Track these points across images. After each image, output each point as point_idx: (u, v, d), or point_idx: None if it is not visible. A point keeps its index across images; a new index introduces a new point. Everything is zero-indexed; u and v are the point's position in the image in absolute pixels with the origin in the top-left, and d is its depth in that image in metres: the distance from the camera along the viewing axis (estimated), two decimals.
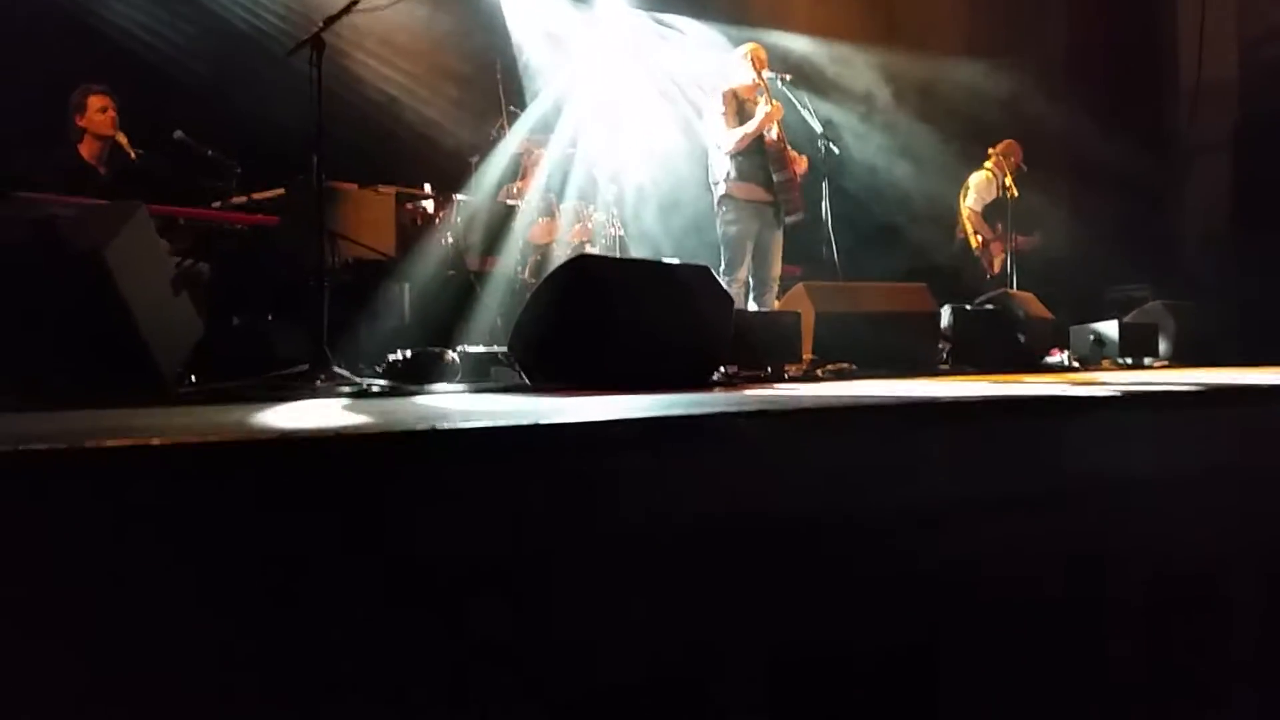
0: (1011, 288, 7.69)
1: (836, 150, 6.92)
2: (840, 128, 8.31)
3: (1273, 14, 9.89)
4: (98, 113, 5.36)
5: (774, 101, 6.50)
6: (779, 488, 2.01)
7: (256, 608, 1.34)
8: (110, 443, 1.29)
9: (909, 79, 9.43)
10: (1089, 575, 2.46)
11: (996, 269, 8.46)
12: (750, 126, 6.43)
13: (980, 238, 8.57)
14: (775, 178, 6.52)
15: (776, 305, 6.39)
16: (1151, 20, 10.77)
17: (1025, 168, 8.32)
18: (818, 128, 6.78)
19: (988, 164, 8.53)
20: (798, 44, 8.35)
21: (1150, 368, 6.99)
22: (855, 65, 9.04)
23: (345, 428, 1.64)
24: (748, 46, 6.74)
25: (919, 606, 2.14)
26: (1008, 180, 8.14)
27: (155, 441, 1.29)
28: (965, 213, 8.63)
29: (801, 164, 6.65)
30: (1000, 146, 8.47)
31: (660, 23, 9.00)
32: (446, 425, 1.62)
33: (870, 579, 2.08)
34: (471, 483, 1.57)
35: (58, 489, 1.26)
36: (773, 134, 6.51)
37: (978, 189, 8.60)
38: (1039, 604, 2.36)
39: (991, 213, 8.57)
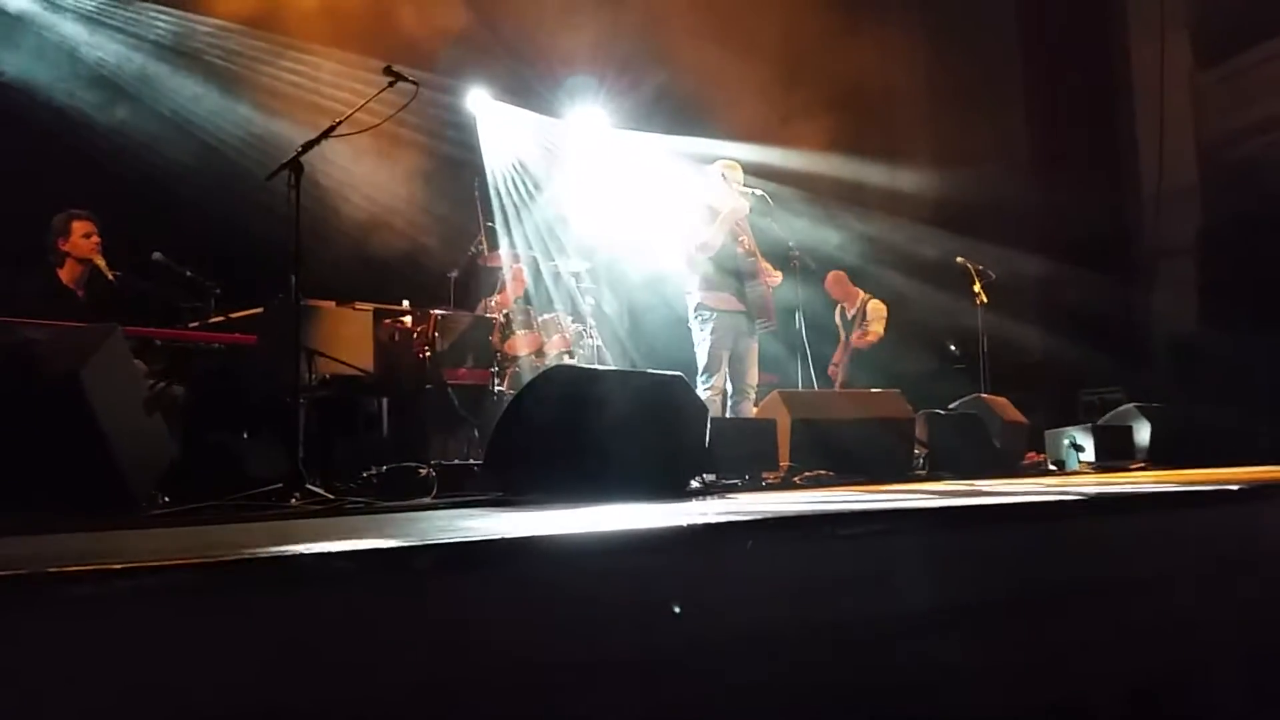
0: (985, 393, 7.76)
1: (812, 266, 7.04)
2: (809, 242, 8.50)
3: (1229, 120, 10.22)
4: (81, 238, 5.39)
5: (741, 198, 6.60)
6: (750, 598, 2.00)
7: None
8: (72, 567, 1.29)
9: (876, 193, 9.68)
10: (1069, 681, 2.44)
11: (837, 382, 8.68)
12: (716, 224, 6.54)
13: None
14: (746, 288, 6.60)
15: (753, 413, 6.42)
16: (1112, 129, 11.11)
17: (994, 275, 8.47)
18: (789, 240, 6.90)
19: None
20: (766, 158, 8.54)
21: (1126, 470, 7.02)
22: (820, 181, 9.28)
23: (309, 548, 1.64)
24: (722, 162, 6.89)
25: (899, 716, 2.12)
26: (976, 288, 8.30)
27: (116, 565, 1.29)
28: None
29: (775, 278, 6.74)
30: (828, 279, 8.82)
31: (638, 140, 9.24)
32: (410, 543, 1.62)
33: (850, 690, 2.06)
34: (438, 599, 1.57)
35: (20, 613, 1.25)
36: (745, 244, 6.61)
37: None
38: (1020, 711, 2.34)
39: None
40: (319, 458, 4.70)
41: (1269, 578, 2.97)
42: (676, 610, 1.79)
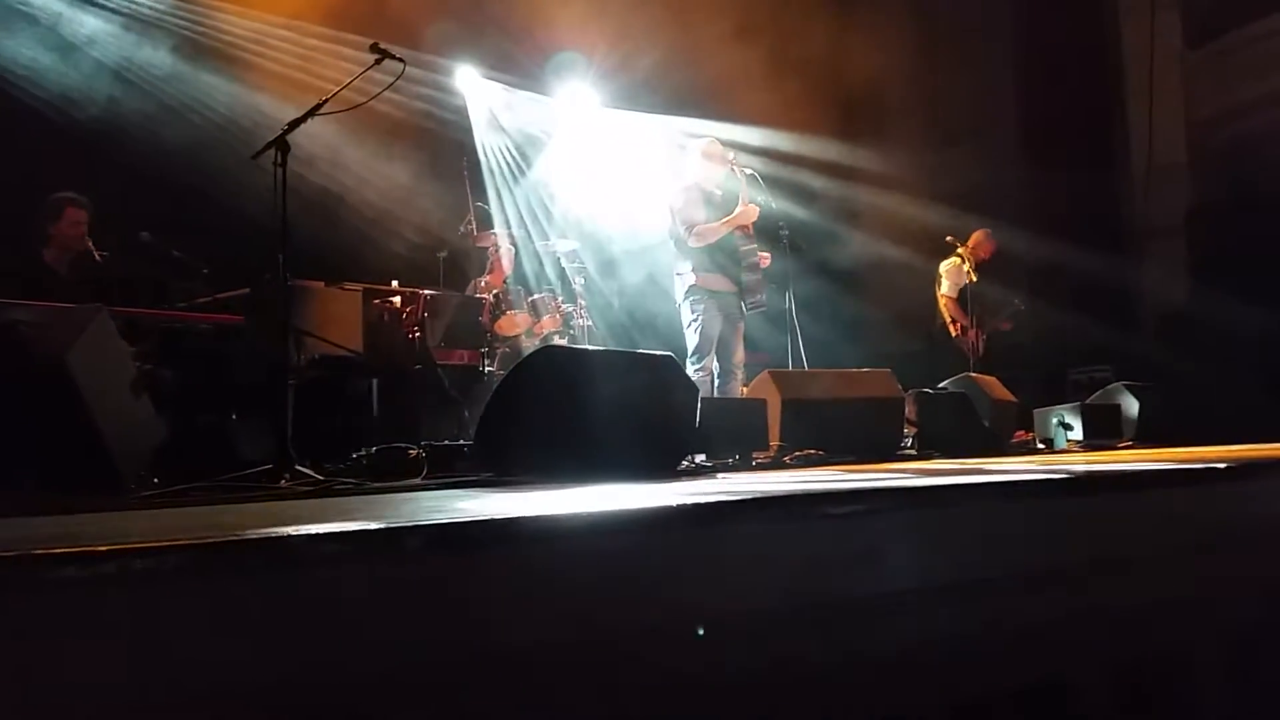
0: (974, 371, 7.77)
1: (802, 245, 7.03)
2: (800, 221, 8.47)
3: (1218, 100, 10.21)
4: (70, 225, 5.36)
5: (749, 204, 6.60)
6: (741, 578, 2.00)
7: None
8: (58, 549, 1.28)
9: (866, 171, 9.67)
10: (1054, 660, 2.45)
11: (981, 352, 8.52)
12: (723, 222, 6.52)
13: (958, 324, 8.67)
14: (742, 269, 6.59)
15: (743, 392, 6.42)
16: (1102, 108, 11.10)
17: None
18: (779, 218, 6.88)
19: (960, 250, 8.68)
20: (756, 139, 8.52)
21: (1114, 449, 7.03)
22: (811, 160, 9.26)
23: (298, 529, 1.63)
24: (705, 140, 6.86)
25: (886, 695, 2.13)
26: (966, 266, 8.31)
27: (104, 548, 1.28)
28: (941, 300, 8.73)
29: (765, 259, 6.73)
30: (973, 238, 8.64)
31: (627, 121, 9.21)
32: (400, 524, 1.62)
33: (840, 668, 2.06)
34: (428, 581, 1.57)
35: (7, 596, 1.24)
36: (744, 228, 6.60)
37: (949, 275, 8.72)
38: (1004, 689, 2.35)
39: (963, 299, 8.70)
40: (308, 439, 4.67)
41: (1257, 556, 2.99)
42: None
